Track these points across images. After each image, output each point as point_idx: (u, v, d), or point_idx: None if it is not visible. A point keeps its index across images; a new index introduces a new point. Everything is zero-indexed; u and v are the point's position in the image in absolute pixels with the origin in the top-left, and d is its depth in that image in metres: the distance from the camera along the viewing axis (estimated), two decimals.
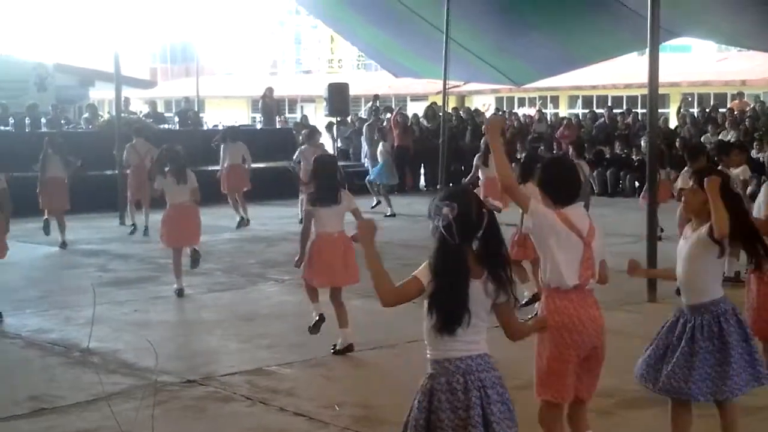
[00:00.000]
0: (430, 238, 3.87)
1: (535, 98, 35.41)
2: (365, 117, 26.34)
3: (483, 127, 15.44)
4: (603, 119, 24.68)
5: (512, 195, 4.59)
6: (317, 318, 7.79)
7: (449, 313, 3.72)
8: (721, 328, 4.78)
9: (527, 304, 8.47)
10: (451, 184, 17.61)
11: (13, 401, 6.26)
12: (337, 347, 7.71)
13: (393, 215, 17.24)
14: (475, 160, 13.67)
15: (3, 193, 8.93)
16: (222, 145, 15.17)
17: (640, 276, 5.55)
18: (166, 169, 10.26)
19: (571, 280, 4.55)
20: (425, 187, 23.31)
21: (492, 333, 3.90)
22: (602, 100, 32.48)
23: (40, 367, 7.46)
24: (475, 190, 13.06)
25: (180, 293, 10.19)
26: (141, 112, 26.72)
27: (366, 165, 21.61)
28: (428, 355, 3.84)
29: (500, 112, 28.20)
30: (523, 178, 8.59)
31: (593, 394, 4.83)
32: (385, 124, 22.34)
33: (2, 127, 21.13)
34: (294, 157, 15.97)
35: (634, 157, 21.15)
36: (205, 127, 25.58)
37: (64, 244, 13.82)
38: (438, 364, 3.78)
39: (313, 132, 16.21)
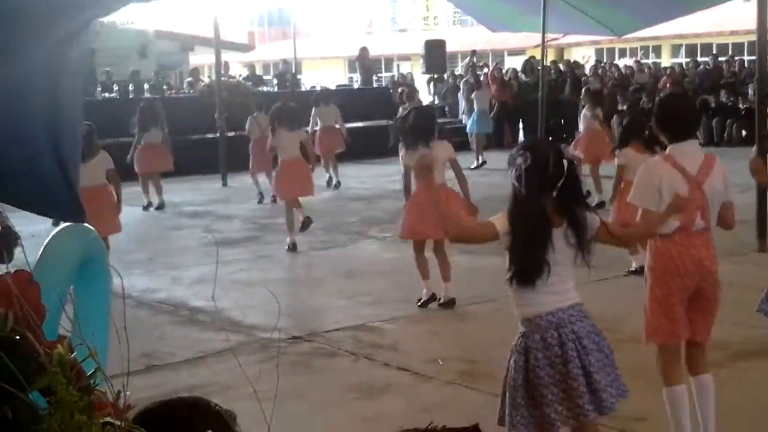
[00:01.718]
0: None
1: (636, 48, 34.57)
2: (462, 73, 26.16)
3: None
4: (706, 67, 23.98)
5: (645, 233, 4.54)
6: (427, 298, 7.81)
7: (527, 264, 3.73)
8: None
9: (633, 274, 8.26)
10: (550, 138, 17.39)
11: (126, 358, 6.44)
12: (440, 300, 7.74)
13: (480, 166, 17.38)
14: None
15: (112, 173, 9.10)
16: (314, 108, 15.00)
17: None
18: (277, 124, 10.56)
19: (671, 223, 4.43)
20: None
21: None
22: (706, 49, 31.54)
23: (150, 326, 7.65)
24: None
25: (293, 247, 10.37)
26: (240, 75, 27.01)
27: (464, 121, 21.49)
28: (517, 313, 3.83)
29: (601, 64, 27.62)
30: (622, 142, 8.45)
31: (708, 339, 4.64)
32: (482, 79, 22.13)
33: (107, 95, 21.64)
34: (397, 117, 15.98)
35: (740, 105, 20.52)
36: (303, 89, 25.75)
37: (162, 205, 14.17)
38: (529, 321, 3.77)
39: (413, 91, 16.16)
